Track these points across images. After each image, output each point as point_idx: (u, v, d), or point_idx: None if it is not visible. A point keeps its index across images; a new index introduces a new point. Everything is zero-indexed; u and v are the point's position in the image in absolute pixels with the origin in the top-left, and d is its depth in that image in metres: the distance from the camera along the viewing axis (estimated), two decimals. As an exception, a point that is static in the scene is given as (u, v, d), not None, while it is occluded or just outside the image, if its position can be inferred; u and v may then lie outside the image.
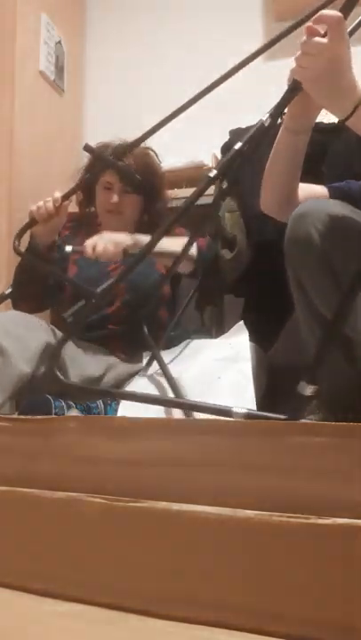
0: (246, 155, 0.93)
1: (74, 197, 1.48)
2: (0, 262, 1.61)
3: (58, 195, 1.28)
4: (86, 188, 1.48)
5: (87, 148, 1.35)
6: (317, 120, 1.48)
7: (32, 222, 1.31)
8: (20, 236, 1.31)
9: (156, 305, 1.41)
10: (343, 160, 1.35)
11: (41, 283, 1.39)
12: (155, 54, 2.13)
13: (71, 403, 1.16)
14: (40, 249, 1.35)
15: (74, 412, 1.14)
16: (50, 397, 1.11)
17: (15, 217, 1.64)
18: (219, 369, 1.06)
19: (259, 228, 1.41)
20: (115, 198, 1.42)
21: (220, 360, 1.09)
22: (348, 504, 0.42)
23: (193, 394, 0.98)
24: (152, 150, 1.49)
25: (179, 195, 1.64)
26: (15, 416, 1.03)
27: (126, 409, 1.08)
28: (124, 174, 1.39)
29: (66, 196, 1.30)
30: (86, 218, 1.52)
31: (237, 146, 0.91)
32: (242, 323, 1.30)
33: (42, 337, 1.17)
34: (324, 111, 1.48)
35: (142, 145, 1.42)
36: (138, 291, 1.40)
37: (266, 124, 0.92)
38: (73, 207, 1.57)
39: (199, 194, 0.87)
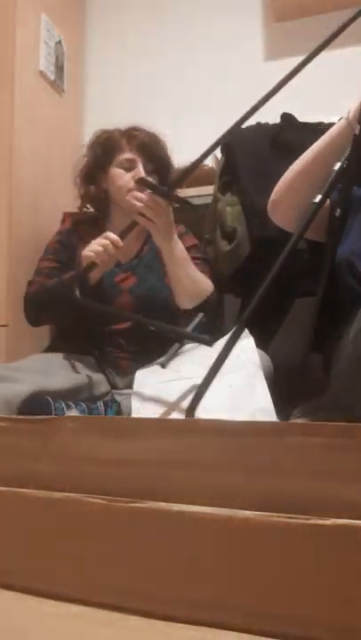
0: (347, 172, 0.92)
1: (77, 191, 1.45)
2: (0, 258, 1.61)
3: (114, 235, 1.21)
4: (94, 183, 1.42)
5: (143, 181, 1.26)
6: (317, 120, 1.49)
7: (91, 267, 1.22)
8: (80, 285, 1.19)
9: (166, 319, 1.40)
10: (341, 161, 1.35)
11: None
12: (155, 54, 2.13)
13: (71, 403, 1.16)
14: (91, 288, 1.29)
15: (74, 413, 1.14)
16: (49, 398, 1.11)
17: (15, 216, 1.64)
18: (229, 380, 1.06)
19: (261, 224, 1.41)
20: (142, 173, 1.34)
21: (228, 373, 1.09)
22: (348, 504, 0.42)
23: (211, 406, 0.99)
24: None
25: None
26: (15, 416, 1.03)
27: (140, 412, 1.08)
28: (182, 204, 1.32)
29: (123, 234, 1.22)
30: (92, 218, 1.47)
31: (337, 166, 0.91)
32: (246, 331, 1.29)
33: (26, 390, 1.09)
34: (324, 112, 1.49)
35: (145, 128, 1.41)
36: (150, 307, 1.36)
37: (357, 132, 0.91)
38: (72, 207, 1.55)
39: (308, 224, 0.88)
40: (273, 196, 1.14)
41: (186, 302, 1.34)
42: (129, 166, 1.35)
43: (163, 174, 1.41)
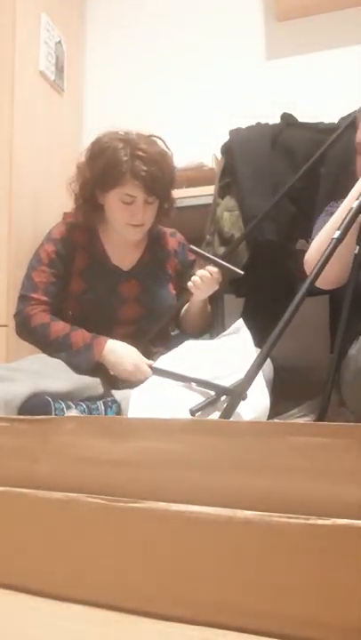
0: None
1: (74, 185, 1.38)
2: (0, 260, 1.61)
3: (147, 361, 1.26)
4: (90, 199, 1.35)
5: (192, 250, 1.35)
6: (317, 121, 1.49)
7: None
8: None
9: (166, 323, 1.40)
10: (341, 160, 1.35)
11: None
12: (155, 54, 2.13)
13: (71, 403, 1.16)
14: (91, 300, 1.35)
15: (73, 413, 1.14)
16: (49, 399, 1.11)
17: (15, 217, 1.64)
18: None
19: (258, 228, 1.41)
20: (140, 217, 1.31)
21: (225, 378, 1.09)
22: (348, 504, 0.42)
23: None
24: (158, 137, 1.35)
25: (178, 195, 1.64)
26: (15, 416, 1.03)
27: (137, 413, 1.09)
28: (228, 271, 1.31)
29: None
30: (86, 223, 1.40)
31: (355, 204, 0.92)
32: (241, 320, 1.30)
33: (26, 391, 1.09)
34: (324, 112, 1.49)
35: (151, 135, 1.34)
36: (154, 315, 1.38)
37: None
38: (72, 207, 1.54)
39: (327, 260, 0.89)
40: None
41: (195, 335, 1.46)
42: (130, 201, 1.29)
43: (163, 199, 1.36)
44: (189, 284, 1.30)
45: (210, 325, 1.50)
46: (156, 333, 1.36)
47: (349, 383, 1.00)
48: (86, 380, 1.24)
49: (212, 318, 1.50)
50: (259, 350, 1.19)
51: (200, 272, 1.30)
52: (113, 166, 1.27)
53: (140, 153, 1.27)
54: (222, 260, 1.34)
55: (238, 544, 0.44)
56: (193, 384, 1.11)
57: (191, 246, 1.39)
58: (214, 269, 1.29)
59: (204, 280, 1.28)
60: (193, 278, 1.30)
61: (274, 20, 1.95)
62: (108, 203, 1.33)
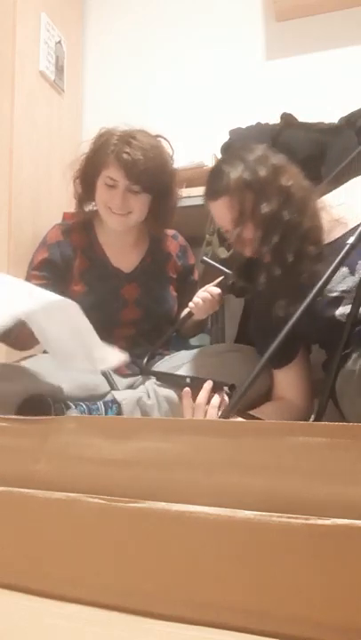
0: None
1: (73, 189, 1.38)
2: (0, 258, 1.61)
3: None
4: (86, 182, 1.34)
5: (205, 262, 1.34)
6: (318, 121, 1.49)
7: None
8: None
9: (165, 326, 1.40)
10: (341, 160, 1.35)
11: None
12: (154, 54, 2.13)
13: (70, 403, 1.16)
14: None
15: (74, 413, 1.13)
16: (49, 399, 1.11)
17: (15, 216, 1.64)
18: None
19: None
20: (118, 203, 1.27)
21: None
22: (348, 504, 0.42)
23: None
24: (164, 138, 1.34)
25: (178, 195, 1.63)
26: (15, 416, 1.03)
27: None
28: (232, 278, 1.28)
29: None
30: (82, 224, 1.39)
31: None
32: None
33: (24, 390, 1.09)
34: (324, 112, 1.48)
35: (152, 133, 1.32)
36: (155, 318, 1.38)
37: None
38: (72, 207, 1.53)
39: (339, 264, 0.90)
40: None
41: (192, 335, 1.51)
42: (112, 184, 1.27)
43: (154, 193, 1.32)
44: (190, 304, 1.29)
45: (206, 324, 1.50)
46: (156, 336, 1.36)
47: (348, 394, 0.99)
48: (86, 381, 1.24)
49: (211, 318, 1.50)
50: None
51: (201, 294, 1.28)
52: (102, 148, 1.29)
53: (131, 140, 1.27)
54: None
55: (238, 544, 0.44)
56: None
57: (204, 258, 1.38)
58: (216, 291, 1.26)
59: (205, 302, 1.27)
60: (194, 300, 1.28)
61: (273, 21, 1.95)
62: (97, 189, 1.32)
